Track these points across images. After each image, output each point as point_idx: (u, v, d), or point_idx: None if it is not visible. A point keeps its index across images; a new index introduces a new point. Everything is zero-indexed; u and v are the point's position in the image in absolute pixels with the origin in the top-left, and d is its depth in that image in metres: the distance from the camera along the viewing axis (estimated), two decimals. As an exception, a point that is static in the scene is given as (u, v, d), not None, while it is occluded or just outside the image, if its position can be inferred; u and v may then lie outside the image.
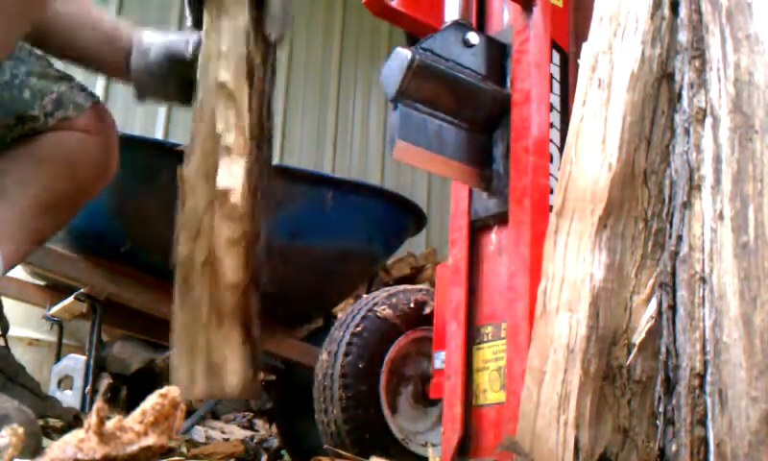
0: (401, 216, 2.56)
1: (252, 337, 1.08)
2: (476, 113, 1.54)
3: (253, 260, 1.11)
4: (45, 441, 1.09)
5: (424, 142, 1.47)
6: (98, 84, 4.64)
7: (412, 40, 1.76)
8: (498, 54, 1.58)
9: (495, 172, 1.54)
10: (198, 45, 1.28)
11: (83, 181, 1.49)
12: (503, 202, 1.50)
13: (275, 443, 2.91)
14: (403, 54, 1.43)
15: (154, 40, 1.41)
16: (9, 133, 1.44)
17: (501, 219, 1.52)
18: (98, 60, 1.45)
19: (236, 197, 1.10)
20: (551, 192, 1.45)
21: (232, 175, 1.12)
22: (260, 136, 1.16)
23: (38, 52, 1.52)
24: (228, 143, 1.13)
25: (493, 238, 1.55)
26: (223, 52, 1.17)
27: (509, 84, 1.55)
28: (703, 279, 0.96)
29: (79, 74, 1.56)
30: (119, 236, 2.19)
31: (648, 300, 1.00)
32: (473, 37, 1.54)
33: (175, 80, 1.41)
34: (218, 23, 1.19)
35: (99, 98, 1.56)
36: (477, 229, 1.58)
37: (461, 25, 1.54)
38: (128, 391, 3.42)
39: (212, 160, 1.14)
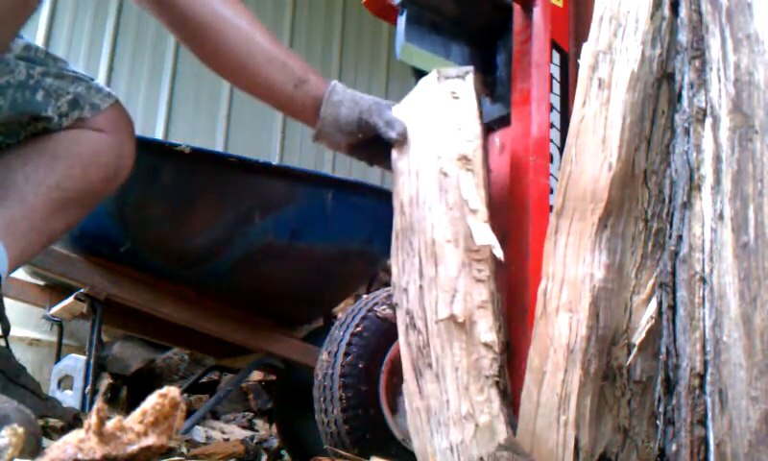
0: (401, 216, 2.56)
1: (508, 399, 1.11)
2: (480, 21, 1.58)
3: (502, 321, 1.15)
4: (45, 441, 1.09)
5: (429, 46, 1.51)
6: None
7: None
8: None
9: (499, 78, 1.57)
10: (394, 125, 1.35)
11: (96, 181, 1.48)
12: (506, 105, 1.54)
13: (275, 443, 2.91)
14: None
15: (345, 97, 1.42)
16: (22, 130, 1.44)
17: (504, 121, 1.55)
18: (285, 102, 1.44)
19: (498, 253, 1.15)
20: (551, 192, 1.46)
21: (485, 236, 1.16)
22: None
23: (55, 55, 1.52)
24: (475, 208, 1.19)
25: (497, 140, 1.58)
26: (460, 128, 1.28)
27: None
28: (703, 279, 0.96)
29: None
30: (119, 236, 2.19)
31: (648, 300, 1.00)
32: None
33: (359, 142, 1.43)
34: (449, 103, 1.32)
35: (117, 98, 1.55)
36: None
37: None
38: (128, 391, 3.42)
39: (461, 226, 1.18)
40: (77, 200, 1.46)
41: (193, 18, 1.39)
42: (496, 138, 1.59)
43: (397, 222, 1.30)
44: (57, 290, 2.39)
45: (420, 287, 1.19)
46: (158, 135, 4.89)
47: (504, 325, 1.16)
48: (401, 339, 1.23)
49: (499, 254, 1.13)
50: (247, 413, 3.59)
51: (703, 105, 1.02)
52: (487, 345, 1.10)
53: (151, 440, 0.73)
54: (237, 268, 2.28)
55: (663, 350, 0.98)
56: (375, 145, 1.40)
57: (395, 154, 1.36)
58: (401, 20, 1.46)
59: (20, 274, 2.37)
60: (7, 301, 1.50)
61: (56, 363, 2.36)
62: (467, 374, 1.09)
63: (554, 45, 1.53)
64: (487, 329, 1.11)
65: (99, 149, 1.47)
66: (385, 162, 1.39)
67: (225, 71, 1.44)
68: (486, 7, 1.57)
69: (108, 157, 1.48)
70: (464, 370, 1.09)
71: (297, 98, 1.42)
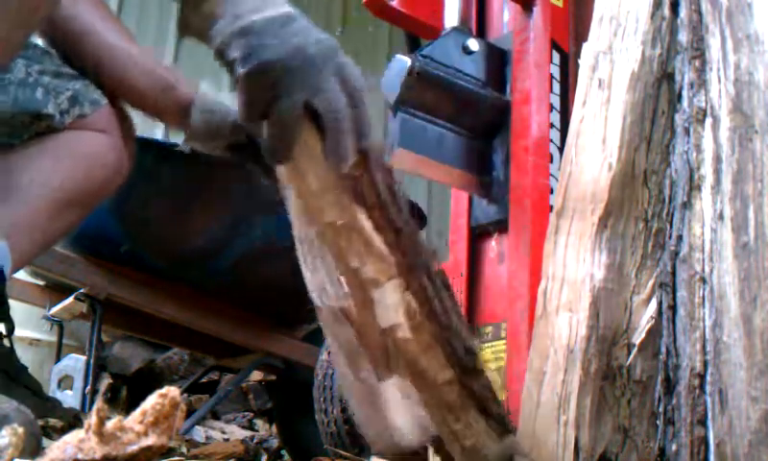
0: (401, 216, 2.56)
1: (491, 408, 1.04)
2: (476, 120, 1.54)
3: (454, 349, 1.04)
4: (45, 441, 1.09)
5: (424, 149, 1.47)
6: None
7: (412, 40, 1.76)
8: (498, 60, 1.58)
9: (495, 179, 1.54)
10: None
11: (98, 181, 1.48)
12: (503, 208, 1.50)
13: (275, 443, 2.91)
14: (403, 61, 1.42)
15: (215, 103, 1.45)
16: (25, 131, 1.44)
17: (501, 226, 1.52)
18: (152, 106, 1.48)
19: (404, 331, 1.02)
20: (551, 192, 1.45)
21: (391, 307, 1.03)
22: (406, 246, 1.02)
23: (52, 51, 1.52)
24: (369, 276, 1.01)
25: (494, 245, 1.55)
26: (315, 192, 1.02)
27: (508, 91, 1.55)
28: (703, 279, 0.96)
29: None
30: (119, 236, 2.19)
31: (648, 300, 1.00)
32: (473, 44, 1.53)
33: (233, 145, 1.45)
34: (298, 165, 1.02)
35: None
36: (477, 234, 1.58)
37: (461, 31, 1.54)
38: (128, 391, 3.42)
39: (366, 295, 1.05)
40: (79, 200, 1.46)
41: (70, 33, 1.45)
42: (493, 243, 1.56)
43: (298, 230, 1.20)
44: (57, 290, 2.39)
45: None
46: (158, 135, 4.88)
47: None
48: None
49: None
50: (247, 413, 3.59)
51: (703, 105, 1.02)
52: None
53: (151, 440, 0.73)
54: (237, 268, 2.28)
55: (663, 350, 0.98)
56: (254, 149, 1.42)
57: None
58: (395, 123, 1.44)
59: (21, 274, 2.36)
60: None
61: (56, 363, 2.36)
62: None
63: (554, 45, 1.53)
64: None
65: (101, 149, 1.48)
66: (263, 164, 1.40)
67: (102, 81, 1.49)
68: (483, 106, 1.54)
69: (110, 158, 1.49)
70: None
71: (162, 103, 1.45)
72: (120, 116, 1.53)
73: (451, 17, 1.58)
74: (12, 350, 1.45)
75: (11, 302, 1.62)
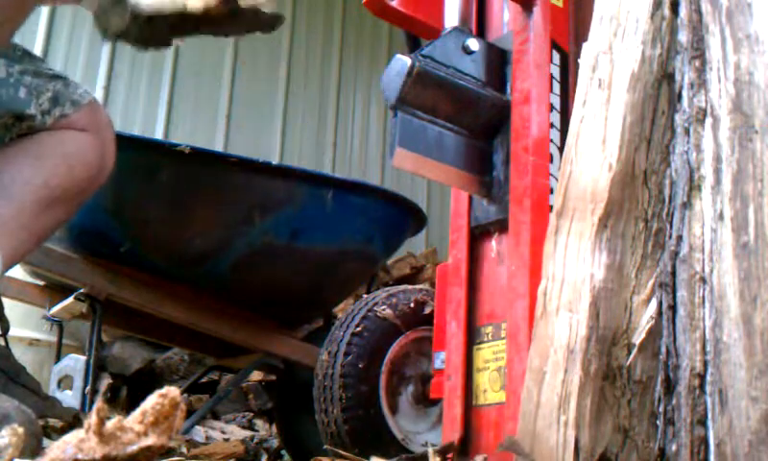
0: (401, 216, 2.56)
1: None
2: (476, 120, 1.54)
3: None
4: (45, 441, 1.09)
5: (424, 149, 1.47)
6: (98, 85, 4.64)
7: (412, 40, 1.77)
8: (498, 60, 1.58)
9: (495, 179, 1.54)
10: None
11: (81, 180, 1.49)
12: (503, 208, 1.50)
13: (275, 443, 2.91)
14: (403, 61, 1.42)
15: None
16: (7, 133, 1.44)
17: (501, 226, 1.52)
18: None
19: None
20: (551, 192, 1.45)
21: None
22: None
23: (32, 52, 1.52)
24: None
25: (494, 245, 1.55)
26: None
27: (509, 91, 1.55)
28: (703, 279, 0.96)
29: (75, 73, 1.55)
30: (119, 236, 2.19)
31: (648, 300, 1.00)
32: (473, 44, 1.53)
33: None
34: None
35: (94, 96, 1.57)
36: (477, 234, 1.58)
37: (461, 31, 1.54)
38: (128, 391, 3.42)
39: None
40: (63, 198, 1.47)
41: None
42: (493, 243, 1.56)
43: None
44: (57, 290, 2.39)
45: None
46: (158, 135, 4.89)
47: None
48: None
49: None
50: (247, 413, 3.59)
51: (703, 105, 1.02)
52: None
53: (151, 440, 0.73)
54: (237, 268, 2.28)
55: (663, 350, 0.98)
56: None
57: None
58: (395, 122, 1.43)
59: (20, 274, 2.37)
60: (7, 301, 1.50)
61: (56, 363, 2.36)
62: None
63: (554, 45, 1.53)
64: None
65: (83, 148, 1.49)
66: None
67: None
68: (484, 106, 1.54)
69: (91, 156, 1.50)
70: None
71: None
72: (101, 116, 1.54)
73: (451, 17, 1.58)
74: (8, 349, 1.45)
75: (10, 301, 1.62)
